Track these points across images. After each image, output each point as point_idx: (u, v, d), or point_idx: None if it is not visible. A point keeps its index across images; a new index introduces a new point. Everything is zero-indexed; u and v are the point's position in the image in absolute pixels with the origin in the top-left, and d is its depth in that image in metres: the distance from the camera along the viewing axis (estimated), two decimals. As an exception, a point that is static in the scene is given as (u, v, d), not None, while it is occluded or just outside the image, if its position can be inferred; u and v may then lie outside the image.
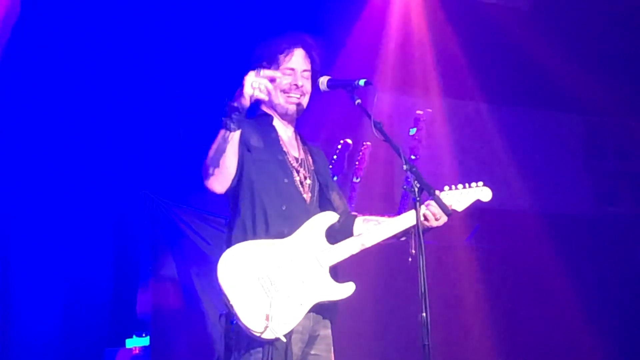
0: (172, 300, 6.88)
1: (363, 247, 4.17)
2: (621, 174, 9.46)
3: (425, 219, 4.14)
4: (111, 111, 6.91)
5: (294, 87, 4.24)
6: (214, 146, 3.93)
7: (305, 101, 4.28)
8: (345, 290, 4.12)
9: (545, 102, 9.05)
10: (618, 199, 9.43)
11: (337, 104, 6.08)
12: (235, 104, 3.88)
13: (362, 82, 4.11)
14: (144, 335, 6.86)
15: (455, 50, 8.35)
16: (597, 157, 9.52)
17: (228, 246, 4.05)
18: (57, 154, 6.75)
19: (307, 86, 4.27)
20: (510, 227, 8.52)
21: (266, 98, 3.94)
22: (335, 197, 4.35)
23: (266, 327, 3.90)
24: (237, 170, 4.02)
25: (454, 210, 4.22)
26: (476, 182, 4.33)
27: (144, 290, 6.97)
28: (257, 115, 4.30)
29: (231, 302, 3.90)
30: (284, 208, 4.10)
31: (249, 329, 3.91)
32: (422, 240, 3.83)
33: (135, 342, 6.86)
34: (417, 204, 3.87)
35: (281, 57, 4.23)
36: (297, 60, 4.26)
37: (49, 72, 6.67)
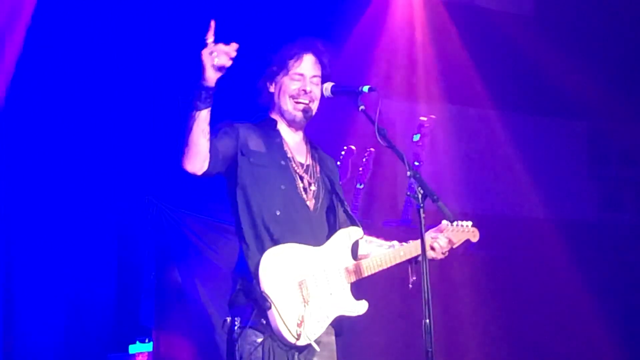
0: (176, 307, 6.87)
1: (377, 270, 4.23)
2: (625, 180, 9.45)
3: (432, 248, 4.26)
4: (115, 115, 6.91)
5: (302, 92, 4.21)
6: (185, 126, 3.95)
7: (314, 107, 4.25)
8: (361, 307, 4.16)
9: (549, 108, 9.04)
10: (622, 205, 9.42)
11: (341, 110, 6.07)
12: (203, 82, 3.85)
13: (366, 88, 4.11)
14: (147, 341, 6.85)
15: (458, 56, 8.35)
16: (600, 163, 9.50)
17: (241, 253, 4.06)
18: (60, 158, 6.75)
19: (317, 92, 4.25)
20: (514, 233, 8.51)
21: (228, 63, 3.83)
22: (344, 209, 4.36)
23: (299, 333, 3.93)
24: (218, 158, 4.02)
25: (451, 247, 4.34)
26: (466, 221, 4.41)
27: (147, 297, 6.96)
28: (261, 120, 4.29)
29: (273, 302, 3.91)
30: (277, 213, 4.09)
31: (283, 332, 3.92)
32: (425, 249, 3.84)
33: (138, 348, 6.85)
34: (421, 210, 3.86)
35: (291, 62, 4.21)
36: (307, 65, 4.23)
37: (54, 77, 6.67)
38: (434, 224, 4.35)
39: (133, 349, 6.86)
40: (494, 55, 8.48)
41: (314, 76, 4.24)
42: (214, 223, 6.86)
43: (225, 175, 4.16)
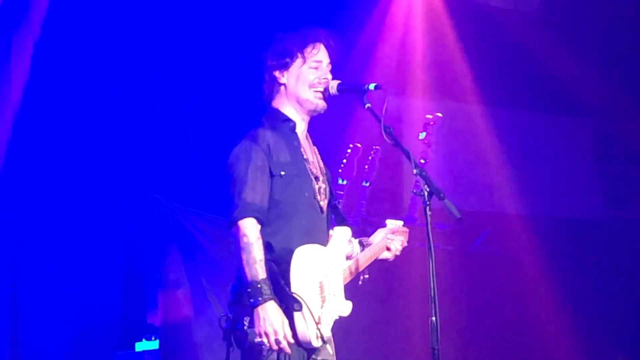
0: (182, 304, 6.88)
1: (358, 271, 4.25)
2: (630, 178, 9.43)
3: (388, 249, 4.33)
4: (120, 113, 6.92)
5: (324, 80, 4.16)
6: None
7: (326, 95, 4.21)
8: (348, 308, 4.12)
9: (555, 105, 9.03)
10: (627, 203, 9.40)
11: (347, 108, 6.08)
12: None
13: (372, 86, 4.07)
14: (153, 338, 6.86)
15: (464, 54, 8.34)
16: (606, 161, 9.49)
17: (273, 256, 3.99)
18: (66, 157, 6.76)
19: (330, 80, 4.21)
20: (519, 232, 8.51)
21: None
22: (335, 205, 4.36)
23: (320, 335, 3.89)
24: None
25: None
26: (398, 220, 4.49)
27: (153, 294, 6.97)
28: (281, 122, 4.18)
29: (305, 303, 3.86)
30: (304, 222, 4.07)
31: (309, 334, 3.87)
32: (431, 244, 3.81)
33: (145, 346, 6.86)
34: (427, 208, 3.84)
35: (308, 49, 4.15)
36: (324, 53, 4.20)
37: (60, 76, 6.68)
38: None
39: (139, 346, 6.87)
40: (500, 52, 8.47)
41: (329, 63, 4.21)
42: (220, 221, 6.86)
43: None
